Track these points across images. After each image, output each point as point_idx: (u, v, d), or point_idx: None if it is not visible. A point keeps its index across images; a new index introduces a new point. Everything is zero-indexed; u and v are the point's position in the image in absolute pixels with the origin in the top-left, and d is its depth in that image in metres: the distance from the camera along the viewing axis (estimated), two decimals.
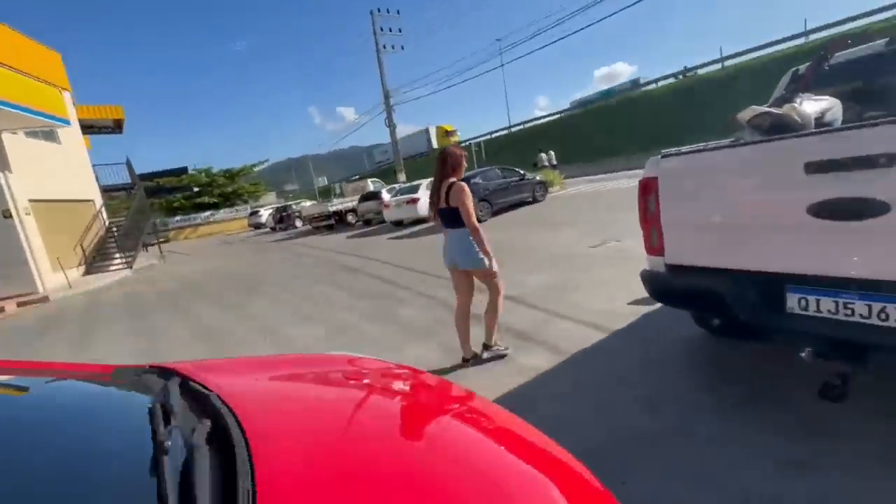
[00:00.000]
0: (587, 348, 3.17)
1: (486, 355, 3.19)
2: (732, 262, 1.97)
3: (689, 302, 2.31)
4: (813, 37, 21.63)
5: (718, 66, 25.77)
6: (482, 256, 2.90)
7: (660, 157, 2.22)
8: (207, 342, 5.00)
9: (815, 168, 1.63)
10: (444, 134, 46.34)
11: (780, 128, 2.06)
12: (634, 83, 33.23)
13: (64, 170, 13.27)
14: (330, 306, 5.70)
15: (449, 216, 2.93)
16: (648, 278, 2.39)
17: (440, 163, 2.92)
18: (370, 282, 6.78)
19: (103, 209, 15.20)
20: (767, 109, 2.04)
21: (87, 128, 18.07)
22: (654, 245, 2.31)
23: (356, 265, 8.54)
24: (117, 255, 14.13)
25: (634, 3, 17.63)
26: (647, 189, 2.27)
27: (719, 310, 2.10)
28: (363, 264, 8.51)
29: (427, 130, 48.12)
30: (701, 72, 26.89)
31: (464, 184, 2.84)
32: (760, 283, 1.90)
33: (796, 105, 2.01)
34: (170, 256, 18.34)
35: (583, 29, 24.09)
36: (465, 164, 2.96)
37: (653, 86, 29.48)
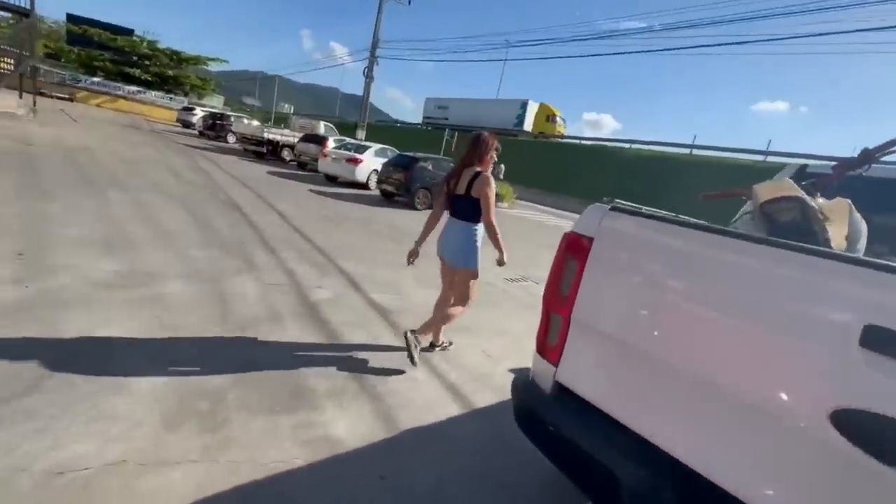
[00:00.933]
0: (422, 427, 2.23)
1: (412, 342, 2.69)
2: (664, 435, 1.09)
3: (563, 461, 1.38)
4: (771, 158, 23.27)
5: (688, 151, 27.00)
6: (474, 257, 2.74)
7: (608, 207, 1.30)
8: None
9: (885, 344, 0.77)
10: (547, 118, 33.03)
11: (802, 231, 1.23)
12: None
13: None
14: (163, 242, 4.29)
15: (463, 206, 2.68)
16: (521, 389, 1.47)
17: (471, 147, 2.71)
18: (241, 231, 5.41)
19: None
20: (802, 196, 1.22)
21: None
22: (551, 343, 1.39)
23: (245, 204, 7.03)
24: None
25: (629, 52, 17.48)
26: (573, 249, 1.35)
27: (602, 497, 1.21)
28: (255, 207, 7.03)
29: (524, 105, 33.30)
30: (669, 150, 28.01)
31: (491, 176, 2.65)
32: (691, 495, 1.03)
33: (850, 205, 1.19)
34: (50, 115, 15.02)
35: (574, 57, 23.79)
36: (494, 157, 2.74)
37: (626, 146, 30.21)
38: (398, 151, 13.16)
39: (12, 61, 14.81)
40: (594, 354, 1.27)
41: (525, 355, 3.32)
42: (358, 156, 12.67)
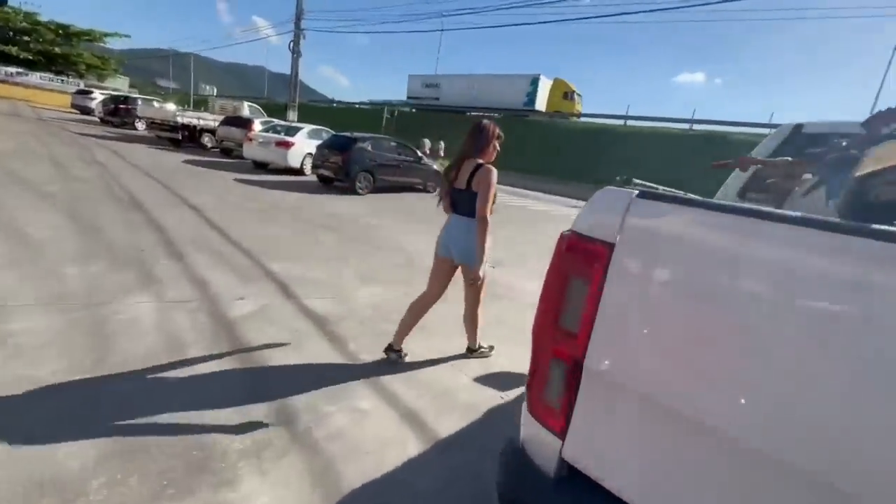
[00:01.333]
0: (373, 482, 1.73)
1: (481, 352, 2.92)
2: None
3: None
4: (696, 126, 24.59)
5: (622, 122, 27.88)
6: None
7: (633, 193, 0.83)
8: None
9: None
10: (564, 95, 29.44)
11: None
12: None
13: None
14: (23, 258, 3.35)
15: (465, 200, 2.51)
16: (510, 465, 1.01)
17: (471, 137, 2.53)
18: (140, 235, 4.48)
19: None
20: None
21: None
22: (550, 402, 0.92)
23: (149, 200, 5.96)
24: None
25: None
26: (581, 261, 0.87)
27: None
28: (163, 203, 5.98)
29: (535, 81, 28.45)
30: (605, 121, 28.75)
31: (494, 169, 2.45)
32: None
33: None
34: None
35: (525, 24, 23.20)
36: (497, 147, 2.57)
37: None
38: (334, 132, 12.17)
39: None
40: (628, 428, 0.82)
41: (493, 360, 2.91)
42: (289, 138, 11.53)
